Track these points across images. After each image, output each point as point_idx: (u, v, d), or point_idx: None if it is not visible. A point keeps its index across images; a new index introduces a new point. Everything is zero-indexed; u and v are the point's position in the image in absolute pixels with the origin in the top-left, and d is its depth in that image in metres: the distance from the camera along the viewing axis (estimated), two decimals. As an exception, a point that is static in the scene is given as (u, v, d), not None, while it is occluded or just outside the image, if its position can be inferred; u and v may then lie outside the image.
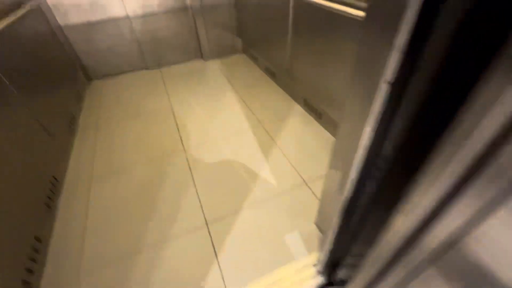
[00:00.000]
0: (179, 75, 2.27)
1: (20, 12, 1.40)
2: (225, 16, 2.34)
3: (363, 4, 0.99)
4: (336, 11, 1.10)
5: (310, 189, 1.22)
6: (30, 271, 0.92)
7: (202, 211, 1.16)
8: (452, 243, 0.33)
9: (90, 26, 2.05)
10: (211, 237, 1.07)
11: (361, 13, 0.93)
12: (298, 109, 1.75)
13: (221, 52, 2.53)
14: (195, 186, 1.27)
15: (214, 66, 2.39)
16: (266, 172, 1.32)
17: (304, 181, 1.26)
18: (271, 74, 2.08)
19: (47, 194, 1.18)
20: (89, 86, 2.23)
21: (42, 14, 1.79)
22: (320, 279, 0.86)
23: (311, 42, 1.43)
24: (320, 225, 1.04)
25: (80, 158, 1.49)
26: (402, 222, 0.41)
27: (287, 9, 1.55)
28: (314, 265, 0.90)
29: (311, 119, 1.65)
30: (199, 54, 2.52)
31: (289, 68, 1.76)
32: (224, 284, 0.92)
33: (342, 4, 1.10)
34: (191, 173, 1.34)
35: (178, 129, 1.64)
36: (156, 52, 2.37)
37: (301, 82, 1.67)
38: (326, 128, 1.56)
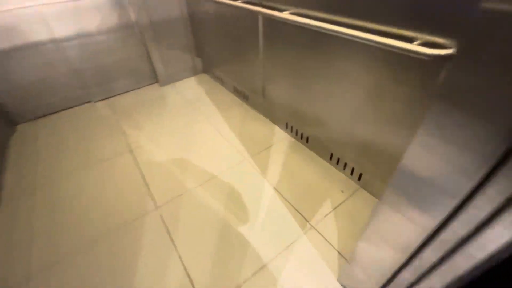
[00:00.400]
0: (133, 106, 1.93)
1: None
2: (179, 34, 2.08)
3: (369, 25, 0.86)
4: (330, 32, 0.95)
5: (319, 233, 1.05)
6: None
7: (196, 292, 0.90)
8: None
9: (4, 56, 1.61)
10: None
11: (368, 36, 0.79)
12: (280, 133, 1.58)
13: (179, 74, 2.25)
14: (178, 255, 1.00)
15: (173, 91, 2.10)
16: (263, 220, 1.10)
17: (310, 225, 1.08)
18: (243, 96, 1.88)
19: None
20: (15, 134, 1.75)
21: None
22: None
23: (287, 61, 1.28)
24: (350, 285, 0.86)
25: (7, 245, 1.09)
26: None
27: (255, 26, 1.37)
28: None
29: (297, 143, 1.49)
30: (154, 78, 2.20)
31: (264, 89, 1.59)
32: None
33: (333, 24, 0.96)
34: (171, 238, 1.06)
35: (143, 178, 1.33)
36: (100, 80, 1.99)
37: (280, 105, 1.50)
38: (315, 152, 1.41)
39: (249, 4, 1.26)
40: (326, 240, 1.02)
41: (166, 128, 1.67)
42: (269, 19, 1.28)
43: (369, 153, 1.10)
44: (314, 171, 1.32)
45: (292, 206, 1.15)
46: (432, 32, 0.71)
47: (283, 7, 1.13)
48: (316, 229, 1.06)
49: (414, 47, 0.71)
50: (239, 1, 1.33)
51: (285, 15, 1.08)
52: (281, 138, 1.54)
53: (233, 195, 1.21)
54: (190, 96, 2.01)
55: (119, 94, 2.09)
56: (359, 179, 1.22)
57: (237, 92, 1.94)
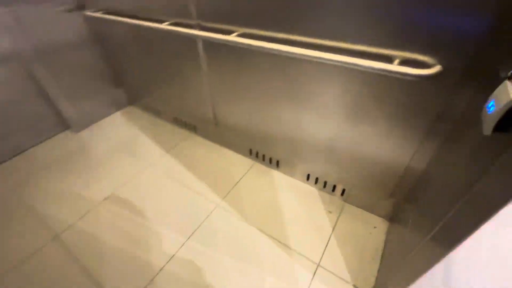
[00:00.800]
0: (41, 169, 1.43)
1: None
2: (86, 62, 1.65)
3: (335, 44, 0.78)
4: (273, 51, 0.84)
5: (327, 270, 0.95)
6: None
7: None
8: None
9: None
10: None
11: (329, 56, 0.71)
12: (246, 161, 1.42)
13: (98, 112, 1.81)
14: None
15: (96, 136, 1.67)
16: (265, 277, 0.94)
17: (315, 263, 0.97)
18: (189, 127, 1.63)
19: None
20: None
21: None
22: None
23: (242, 83, 1.13)
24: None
25: None
26: None
27: (194, 50, 1.16)
28: None
29: (267, 169, 1.37)
30: (63, 124, 1.71)
31: (216, 117, 1.39)
32: None
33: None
34: None
35: (91, 273, 0.97)
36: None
37: (239, 130, 1.34)
38: (290, 175, 1.32)
39: (182, 27, 1.04)
40: (337, 276, 0.93)
41: (101, 191, 1.29)
42: (212, 42, 1.09)
43: (350, 168, 1.06)
44: (294, 197, 1.22)
45: (290, 248, 1.02)
46: (411, 50, 0.67)
47: (229, 27, 0.96)
48: (322, 267, 0.96)
49: (399, 68, 0.66)
50: (166, 24, 1.10)
51: (233, 38, 0.92)
52: (248, 167, 1.38)
53: (218, 255, 1.00)
54: (121, 139, 1.63)
55: (16, 155, 1.53)
56: (342, 194, 1.18)
57: (180, 124, 1.68)
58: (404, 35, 0.66)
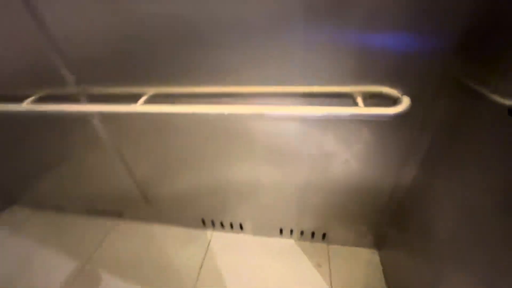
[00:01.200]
0: None
1: None
2: None
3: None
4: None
5: None
6: None
7: None
8: None
9: None
10: None
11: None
12: (202, 235, 1.12)
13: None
14: None
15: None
16: None
17: None
18: (111, 214, 1.22)
19: None
20: None
21: None
22: None
23: (172, 150, 0.86)
24: None
25: None
26: None
27: (85, 121, 0.83)
28: None
29: (231, 236, 1.11)
30: None
31: (145, 194, 1.06)
32: None
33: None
34: None
35: None
36: None
37: (182, 202, 1.05)
38: (259, 234, 1.10)
39: (56, 101, 0.71)
40: None
41: None
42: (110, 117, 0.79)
43: (326, 211, 0.92)
44: (274, 260, 1.00)
45: None
46: (373, 82, 0.56)
47: (132, 89, 0.69)
48: None
49: (365, 110, 0.53)
50: (30, 100, 0.74)
51: (140, 107, 0.65)
52: (206, 242, 1.10)
53: None
54: (2, 266, 1.09)
55: None
56: (324, 238, 1.03)
57: (97, 214, 1.24)
58: (362, 67, 0.55)
